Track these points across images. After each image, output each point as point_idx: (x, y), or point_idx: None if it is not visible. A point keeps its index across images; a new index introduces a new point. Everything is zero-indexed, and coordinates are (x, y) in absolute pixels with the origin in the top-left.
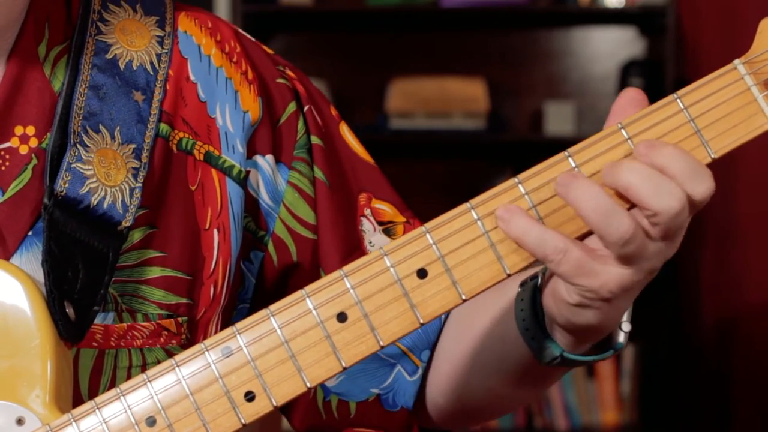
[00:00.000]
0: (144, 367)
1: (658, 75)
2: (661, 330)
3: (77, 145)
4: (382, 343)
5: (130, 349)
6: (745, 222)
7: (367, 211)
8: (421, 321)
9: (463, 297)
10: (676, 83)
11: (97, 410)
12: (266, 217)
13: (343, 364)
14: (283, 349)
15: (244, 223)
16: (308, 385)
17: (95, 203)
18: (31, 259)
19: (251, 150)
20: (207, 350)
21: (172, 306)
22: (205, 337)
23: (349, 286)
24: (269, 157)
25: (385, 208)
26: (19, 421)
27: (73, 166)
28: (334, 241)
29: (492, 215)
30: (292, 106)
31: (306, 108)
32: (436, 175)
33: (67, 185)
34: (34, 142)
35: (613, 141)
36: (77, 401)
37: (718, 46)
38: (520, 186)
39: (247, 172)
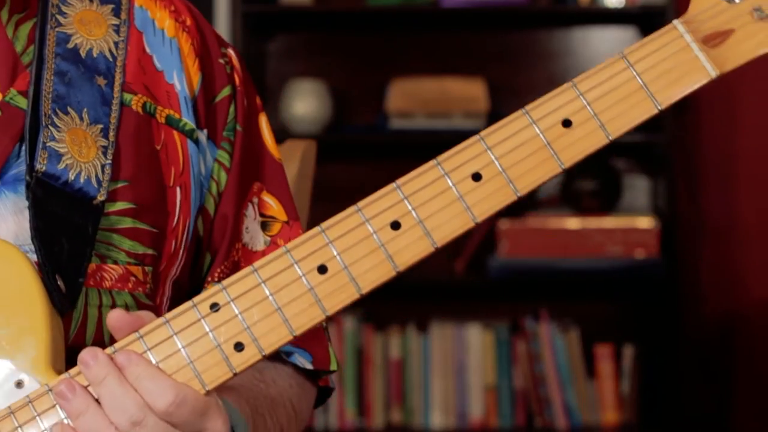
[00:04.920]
0: (113, 308)
1: None
2: (661, 330)
3: (49, 126)
4: (362, 292)
5: (100, 290)
6: (746, 221)
7: (255, 200)
8: (398, 269)
9: (436, 245)
10: None
11: None
12: (201, 189)
13: (327, 313)
14: (268, 301)
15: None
16: (294, 334)
17: (72, 178)
18: None
19: (195, 121)
20: (195, 306)
21: (140, 255)
22: (163, 292)
23: (327, 240)
24: (205, 132)
25: (272, 203)
26: (18, 384)
27: (48, 144)
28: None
29: (457, 170)
30: (227, 90)
31: (238, 95)
32: None
33: (45, 162)
34: None
35: (567, 97)
36: None
37: None
38: (482, 141)
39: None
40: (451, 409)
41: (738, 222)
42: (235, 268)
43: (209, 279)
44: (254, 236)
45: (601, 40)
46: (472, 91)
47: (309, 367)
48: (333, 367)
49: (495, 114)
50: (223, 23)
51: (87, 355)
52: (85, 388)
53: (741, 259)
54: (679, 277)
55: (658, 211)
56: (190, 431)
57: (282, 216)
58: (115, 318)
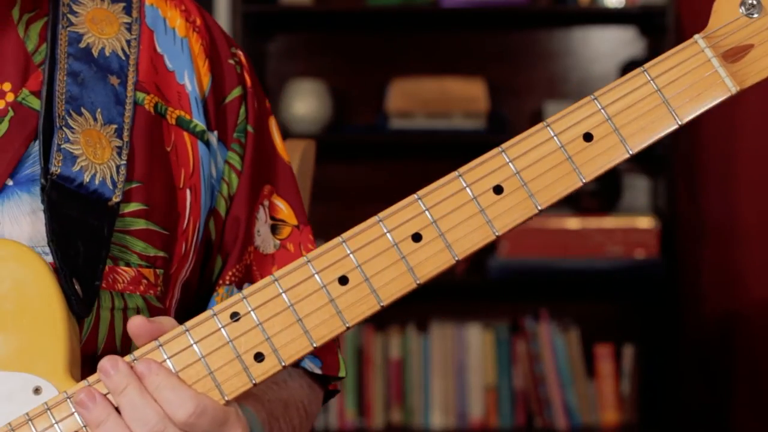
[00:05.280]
0: (125, 310)
1: None
2: (661, 330)
3: (63, 127)
4: (382, 304)
5: (112, 292)
6: (746, 221)
7: (266, 202)
8: (419, 282)
9: (457, 258)
10: None
11: None
12: (212, 191)
13: (347, 324)
14: (289, 312)
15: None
16: (314, 345)
17: (87, 180)
18: (12, 207)
19: (206, 122)
20: (216, 315)
21: (151, 258)
22: (173, 295)
23: (348, 251)
24: (216, 133)
25: (282, 207)
26: (36, 391)
27: (62, 146)
28: (240, 220)
29: (479, 182)
30: (237, 91)
31: (249, 96)
32: (436, 175)
33: (60, 164)
34: (10, 97)
35: (588, 111)
36: None
37: None
38: (503, 154)
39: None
40: (451, 409)
41: (738, 222)
42: (248, 271)
43: (221, 282)
44: (265, 239)
45: (601, 40)
46: (472, 91)
47: (318, 371)
48: (342, 373)
49: (495, 114)
50: (223, 23)
51: (107, 363)
52: (105, 396)
53: (741, 259)
54: (679, 277)
55: (658, 211)
56: None
57: (292, 220)
58: (136, 325)
